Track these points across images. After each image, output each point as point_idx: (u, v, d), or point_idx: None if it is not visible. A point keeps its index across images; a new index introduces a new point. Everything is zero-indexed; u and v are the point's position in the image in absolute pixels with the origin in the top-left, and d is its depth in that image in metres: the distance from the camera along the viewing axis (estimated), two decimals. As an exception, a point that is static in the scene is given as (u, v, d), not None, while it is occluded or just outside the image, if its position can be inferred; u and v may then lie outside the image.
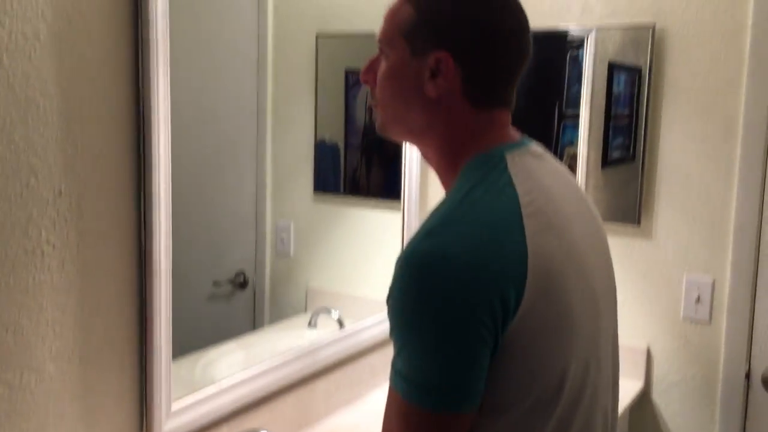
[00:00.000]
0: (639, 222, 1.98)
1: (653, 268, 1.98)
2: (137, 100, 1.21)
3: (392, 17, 0.95)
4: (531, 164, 0.93)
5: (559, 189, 0.94)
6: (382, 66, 0.96)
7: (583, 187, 2.01)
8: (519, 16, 0.94)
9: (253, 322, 1.93)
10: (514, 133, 0.97)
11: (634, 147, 1.99)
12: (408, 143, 1.08)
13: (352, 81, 2.02)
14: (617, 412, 1.05)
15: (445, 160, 0.96)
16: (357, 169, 2.12)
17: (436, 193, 2.10)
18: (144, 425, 1.27)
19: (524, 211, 0.85)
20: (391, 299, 0.86)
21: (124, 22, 1.17)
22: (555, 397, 0.88)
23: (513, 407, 0.87)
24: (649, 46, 1.92)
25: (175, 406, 1.31)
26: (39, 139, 1.08)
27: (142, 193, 1.22)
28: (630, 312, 2.00)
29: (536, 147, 0.98)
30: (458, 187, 0.90)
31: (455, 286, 0.81)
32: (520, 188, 0.87)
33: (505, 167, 0.90)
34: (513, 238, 0.84)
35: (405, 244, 0.87)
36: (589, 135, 2.04)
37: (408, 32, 0.93)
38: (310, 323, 1.90)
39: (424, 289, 0.82)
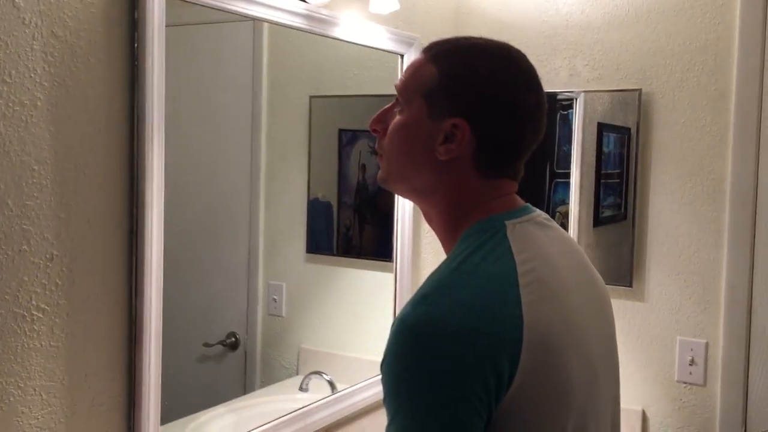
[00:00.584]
0: (631, 284, 1.98)
1: (646, 330, 1.98)
2: (131, 165, 1.22)
3: (414, 73, 0.94)
4: (532, 232, 0.93)
5: (561, 256, 0.94)
6: (396, 119, 0.95)
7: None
8: (539, 94, 0.95)
9: (244, 384, 1.90)
10: (518, 201, 0.97)
11: (626, 206, 2.00)
12: (407, 200, 1.08)
13: (345, 140, 2.05)
14: None
15: (447, 223, 0.96)
16: (350, 228, 2.13)
17: (429, 254, 2.10)
18: (130, 495, 1.24)
19: (521, 280, 0.85)
20: (384, 365, 0.85)
21: (121, 88, 1.19)
22: None
23: None
24: (637, 109, 1.96)
25: (163, 474, 1.28)
26: (33, 205, 1.08)
27: (133, 257, 1.22)
28: (624, 374, 1.93)
29: (540, 215, 0.97)
30: (456, 253, 0.90)
31: (448, 356, 0.80)
32: (519, 256, 0.87)
33: (504, 235, 0.89)
34: (509, 307, 0.83)
35: (400, 309, 0.86)
36: (581, 194, 2.06)
37: (428, 93, 0.92)
38: (301, 387, 1.88)
39: (417, 357, 0.81)
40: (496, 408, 0.82)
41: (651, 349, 1.97)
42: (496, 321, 0.82)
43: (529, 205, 0.99)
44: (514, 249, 0.88)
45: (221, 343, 1.84)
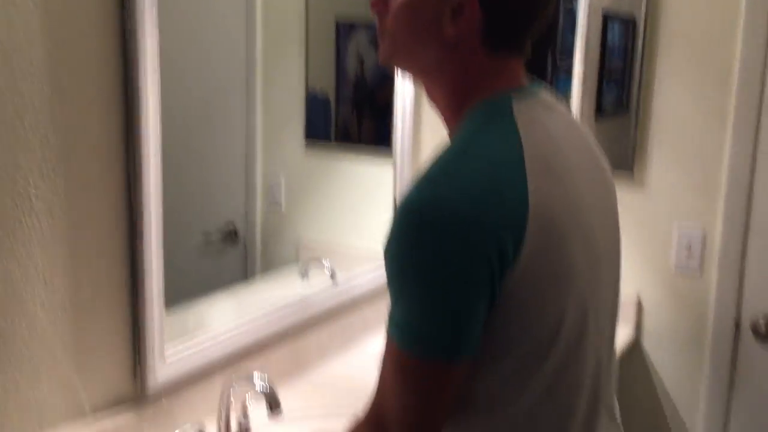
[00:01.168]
0: (632, 171, 1.98)
1: (645, 217, 1.99)
2: (125, 49, 1.18)
3: None
4: (539, 113, 0.91)
5: (566, 139, 0.92)
6: None
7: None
8: None
9: (245, 273, 1.93)
10: (525, 80, 0.95)
11: (628, 98, 1.97)
12: (411, 80, 1.05)
13: (343, 32, 1.99)
14: (614, 364, 1.05)
15: (452, 102, 0.94)
16: (348, 120, 2.10)
17: (429, 143, 2.09)
18: (138, 373, 1.27)
19: (527, 160, 0.84)
20: (387, 248, 0.85)
21: (109, -37, 1.14)
22: (550, 346, 0.88)
23: (508, 356, 0.87)
24: (645, -3, 1.90)
25: (169, 353, 1.31)
26: (24, 86, 1.05)
27: (130, 141, 1.20)
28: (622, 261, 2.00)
29: (547, 95, 0.95)
30: (461, 134, 0.89)
31: (453, 237, 0.80)
32: (525, 136, 0.85)
33: (511, 114, 0.87)
34: (514, 188, 0.82)
35: (400, 193, 0.85)
36: (583, 86, 2.02)
37: None
38: (301, 274, 1.90)
39: (421, 239, 0.81)
40: (499, 290, 0.82)
41: (649, 236, 1.99)
42: (502, 202, 0.81)
43: (536, 82, 0.96)
44: (520, 130, 0.86)
45: (221, 234, 1.85)
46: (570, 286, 0.88)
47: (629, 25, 1.95)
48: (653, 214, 1.98)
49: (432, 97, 0.97)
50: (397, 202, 0.84)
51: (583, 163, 0.94)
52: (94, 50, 1.14)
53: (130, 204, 1.22)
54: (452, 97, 0.94)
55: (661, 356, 2.04)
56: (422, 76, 0.97)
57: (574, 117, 1.02)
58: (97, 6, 1.14)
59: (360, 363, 1.79)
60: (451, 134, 0.94)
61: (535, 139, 0.86)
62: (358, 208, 2.03)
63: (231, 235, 1.88)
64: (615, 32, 2.00)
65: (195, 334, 1.40)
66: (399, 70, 0.99)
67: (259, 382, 1.26)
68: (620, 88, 1.99)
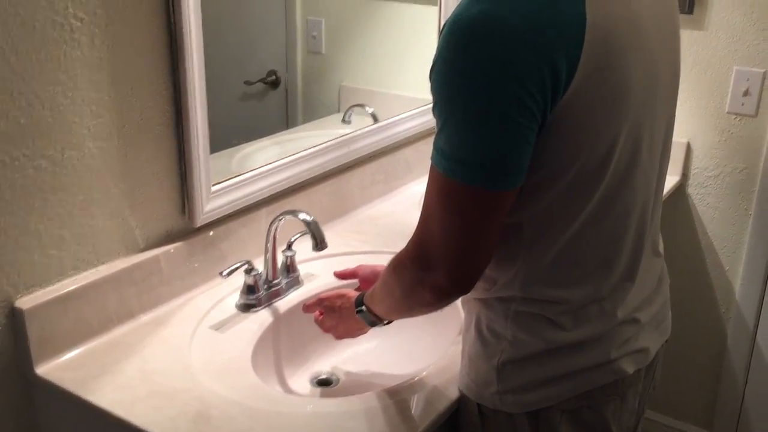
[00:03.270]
0: (692, 11, 1.87)
1: (703, 58, 1.90)
2: None
3: None
4: None
5: None
6: None
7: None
8: None
9: (286, 120, 1.92)
10: None
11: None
12: None
13: None
14: (660, 200, 1.03)
15: None
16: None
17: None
18: (186, 204, 1.30)
19: None
20: (434, 70, 0.81)
21: None
22: (601, 171, 0.87)
23: (557, 182, 0.86)
24: None
25: (215, 188, 1.33)
26: None
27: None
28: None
29: None
30: None
31: (504, 55, 0.76)
32: None
33: None
34: (571, 3, 0.77)
35: (453, 10, 0.81)
36: None
37: None
38: (344, 120, 1.89)
39: (469, 57, 0.77)
40: (552, 110, 0.80)
41: (705, 79, 1.92)
42: (557, 19, 0.77)
43: None
44: None
45: (262, 81, 1.82)
46: (625, 106, 0.85)
47: None
48: (711, 55, 1.89)
49: None
50: (447, 19, 0.80)
51: None
52: None
53: (172, 38, 1.20)
54: None
55: (705, 200, 2.01)
56: None
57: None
58: None
59: (402, 205, 1.80)
60: None
61: None
62: (402, 53, 1.98)
63: (272, 82, 1.86)
64: None
65: (239, 173, 1.41)
66: None
67: (304, 216, 1.28)
68: None
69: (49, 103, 1.06)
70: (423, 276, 0.88)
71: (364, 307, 1.08)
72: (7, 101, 1.01)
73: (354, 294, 1.14)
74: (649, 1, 0.89)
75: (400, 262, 0.93)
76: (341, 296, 1.17)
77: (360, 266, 1.29)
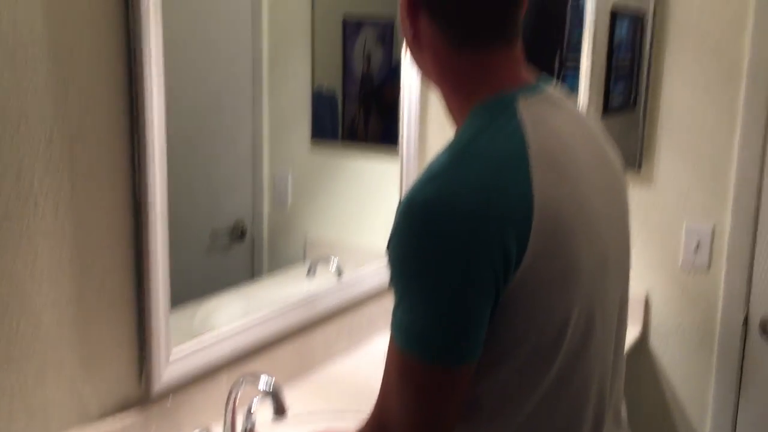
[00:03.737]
0: (639, 168, 1.96)
1: (653, 215, 1.98)
2: (128, 44, 1.18)
3: None
4: (545, 109, 0.90)
5: (574, 136, 0.91)
6: None
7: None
8: None
9: (251, 273, 1.92)
10: (529, 75, 0.94)
11: (636, 93, 1.96)
12: (414, 88, 1.09)
13: (349, 30, 1.98)
14: (622, 366, 1.03)
15: (455, 105, 0.94)
16: (355, 118, 2.09)
17: (436, 140, 2.08)
18: (143, 372, 1.27)
19: (532, 157, 0.82)
20: (390, 247, 0.84)
21: (113, -39, 1.14)
22: (555, 349, 0.87)
23: (511, 359, 0.86)
24: (653, -8, 1.88)
25: (175, 352, 1.31)
26: (28, 84, 1.05)
27: (135, 138, 1.20)
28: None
29: (554, 91, 0.94)
30: (463, 133, 0.88)
31: (456, 237, 0.79)
32: (530, 134, 0.84)
33: (515, 112, 0.86)
34: (518, 185, 0.81)
35: (406, 190, 0.84)
36: (590, 82, 2.01)
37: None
38: (308, 272, 1.90)
39: (423, 238, 0.80)
40: (504, 290, 0.81)
41: (657, 234, 1.98)
42: (506, 201, 0.80)
43: (544, 77, 0.95)
44: (524, 126, 0.85)
45: (228, 232, 1.84)
46: (575, 286, 0.87)
47: (637, 20, 1.93)
48: (661, 212, 1.97)
49: (447, 105, 0.98)
50: (402, 198, 0.83)
51: (592, 161, 0.93)
52: (98, 49, 1.14)
53: (136, 203, 1.22)
54: (454, 100, 0.94)
55: (669, 355, 2.02)
56: (437, 84, 0.98)
57: (583, 114, 1.00)
58: (100, 3, 1.13)
59: (366, 362, 1.78)
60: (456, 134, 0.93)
61: (540, 136, 0.85)
62: (365, 205, 2.03)
63: (238, 234, 1.88)
64: (623, 28, 1.99)
65: (200, 333, 1.39)
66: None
67: (264, 385, 1.25)
68: (628, 84, 1.97)
69: (8, 274, 1.06)
70: None
71: None
72: (-35, 275, 1.01)
73: None
74: (597, 179, 0.92)
75: (362, 427, 0.92)
76: None
77: (328, 430, 1.25)
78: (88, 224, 1.16)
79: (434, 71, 0.95)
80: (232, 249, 1.87)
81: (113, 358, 1.23)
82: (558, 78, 2.05)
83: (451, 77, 0.93)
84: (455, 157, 0.84)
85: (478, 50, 0.90)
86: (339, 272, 1.88)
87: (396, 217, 0.83)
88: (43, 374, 1.13)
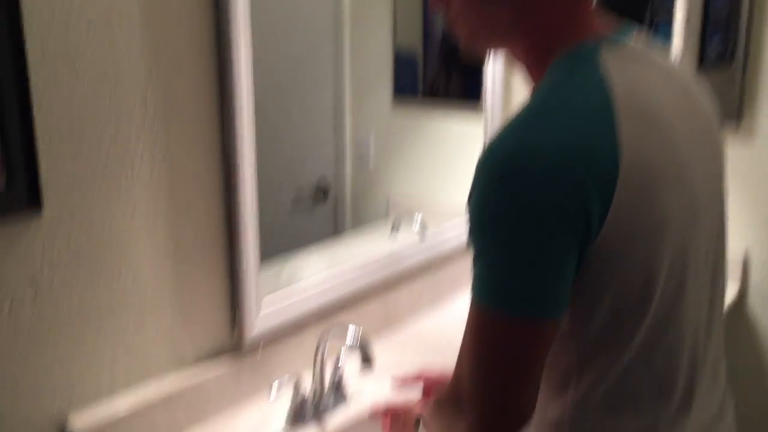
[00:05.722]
0: (739, 122, 1.87)
1: (754, 169, 1.88)
2: (216, 5, 1.20)
3: None
4: (629, 62, 0.86)
5: (663, 86, 0.87)
6: None
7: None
8: None
9: (335, 230, 1.96)
10: (610, 25, 0.90)
11: (734, 46, 1.86)
12: (498, 54, 1.03)
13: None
14: (720, 322, 0.99)
15: (533, 58, 0.91)
16: (436, 76, 2.08)
17: (520, 95, 2.04)
18: (236, 322, 1.32)
19: (618, 110, 0.79)
20: (470, 201, 0.82)
21: None
22: (644, 303, 0.85)
23: (598, 315, 0.84)
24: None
25: (265, 303, 1.35)
26: (123, 46, 1.09)
27: (225, 99, 1.23)
28: (728, 215, 1.91)
29: (638, 43, 0.90)
30: (545, 85, 0.85)
31: (537, 190, 0.76)
32: (615, 85, 0.81)
33: (598, 64, 0.83)
34: (604, 138, 0.78)
35: (487, 143, 0.83)
36: (685, 34, 1.92)
37: None
38: (392, 230, 1.91)
39: (504, 191, 0.78)
40: (588, 245, 0.79)
41: (758, 190, 1.89)
42: (591, 155, 0.77)
43: (625, 28, 0.91)
44: (609, 77, 0.81)
45: (312, 190, 1.88)
46: (664, 238, 0.84)
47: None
48: (763, 166, 1.87)
49: (518, 58, 0.94)
50: (482, 151, 0.82)
51: (682, 113, 0.89)
52: (188, 11, 1.17)
53: (226, 161, 1.25)
54: (532, 53, 0.91)
55: (767, 317, 1.94)
56: (502, 42, 0.94)
57: (673, 64, 0.96)
58: (190, -36, 1.16)
59: (450, 319, 1.79)
60: (534, 91, 0.91)
61: (625, 86, 0.82)
62: (448, 163, 2.02)
63: (321, 192, 1.91)
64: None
65: (288, 287, 1.43)
66: (483, 46, 0.97)
67: (352, 336, 1.28)
68: (725, 36, 1.87)
69: (108, 226, 1.11)
70: (458, 418, 0.85)
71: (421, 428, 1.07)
72: (75, 227, 1.07)
73: (418, 409, 1.12)
74: (688, 130, 0.88)
75: (440, 397, 0.92)
76: (407, 410, 1.16)
77: (423, 372, 1.26)
78: (180, 182, 1.20)
79: (514, 27, 0.90)
80: (316, 209, 1.90)
81: (207, 308, 1.28)
82: (651, 28, 1.96)
83: (538, 31, 0.89)
84: (537, 109, 0.82)
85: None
86: (422, 229, 1.88)
87: (476, 170, 0.81)
88: (142, 320, 1.18)
